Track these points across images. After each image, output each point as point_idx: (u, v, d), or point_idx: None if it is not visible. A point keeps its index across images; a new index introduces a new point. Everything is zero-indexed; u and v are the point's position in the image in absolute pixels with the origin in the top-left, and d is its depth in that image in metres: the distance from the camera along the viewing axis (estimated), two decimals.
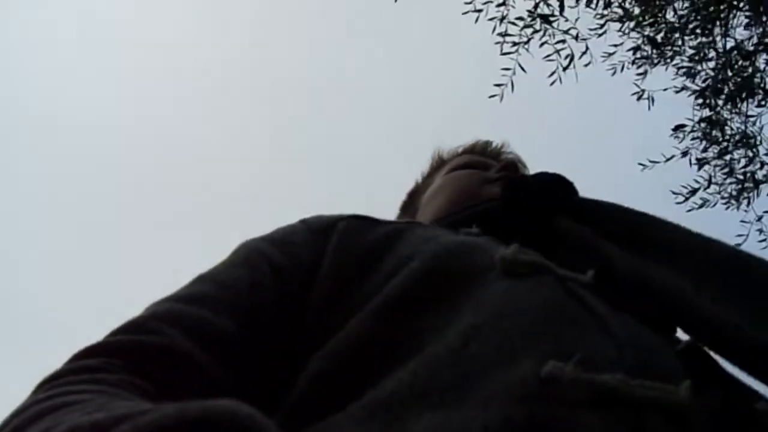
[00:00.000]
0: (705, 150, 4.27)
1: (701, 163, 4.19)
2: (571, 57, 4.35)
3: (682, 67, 4.34)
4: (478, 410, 0.45)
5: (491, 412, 0.45)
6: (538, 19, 4.51)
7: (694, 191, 4.33)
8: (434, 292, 0.61)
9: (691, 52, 4.37)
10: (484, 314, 0.55)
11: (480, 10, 4.64)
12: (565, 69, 4.35)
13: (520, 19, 4.60)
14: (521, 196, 0.89)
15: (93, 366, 0.51)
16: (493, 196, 0.97)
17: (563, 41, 4.41)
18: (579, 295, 0.60)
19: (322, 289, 0.66)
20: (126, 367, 0.52)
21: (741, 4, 4.40)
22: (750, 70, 4.21)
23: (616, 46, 4.60)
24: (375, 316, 0.60)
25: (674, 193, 4.39)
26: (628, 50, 4.47)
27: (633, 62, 4.47)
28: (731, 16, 4.36)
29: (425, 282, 0.62)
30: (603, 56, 4.57)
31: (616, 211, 0.81)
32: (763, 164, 4.22)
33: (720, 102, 4.24)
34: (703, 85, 4.28)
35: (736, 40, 4.25)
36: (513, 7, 4.67)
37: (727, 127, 4.27)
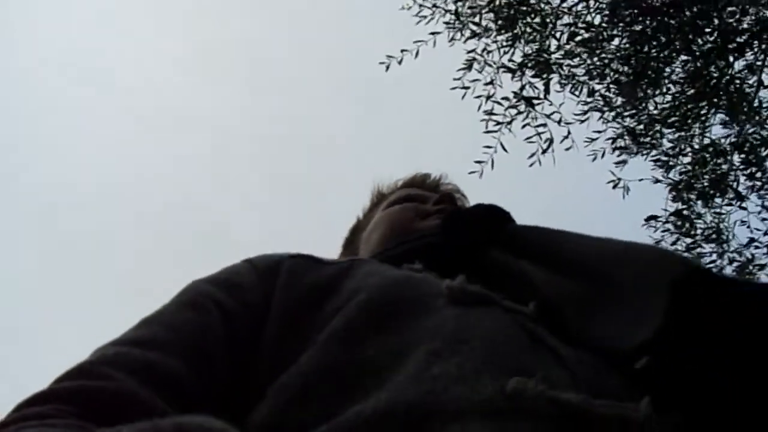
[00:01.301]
0: (675, 243, 4.34)
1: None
2: (551, 141, 4.45)
3: (659, 160, 4.44)
4: (446, 429, 0.46)
5: (459, 430, 0.45)
6: (522, 101, 4.61)
7: None
8: (382, 319, 0.61)
9: (669, 145, 4.48)
10: (441, 339, 0.56)
11: (467, 87, 4.76)
12: (543, 152, 4.45)
13: (506, 99, 4.71)
14: (457, 230, 0.90)
15: (41, 413, 0.50)
16: (431, 230, 0.98)
17: (544, 125, 4.52)
18: (526, 326, 0.62)
19: (273, 327, 0.66)
20: (75, 413, 0.51)
21: (720, 103, 4.52)
22: (724, 167, 4.31)
23: (598, 132, 4.72)
24: (324, 347, 0.59)
25: None
26: (608, 139, 4.58)
27: (613, 151, 4.58)
28: (709, 113, 4.48)
29: (372, 310, 0.62)
30: (585, 141, 4.69)
31: (540, 235, 0.82)
32: (732, 260, 4.29)
33: (693, 197, 4.33)
34: (678, 178, 4.38)
35: (711, 139, 4.36)
36: (500, 86, 4.79)
37: (699, 221, 4.35)
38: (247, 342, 0.65)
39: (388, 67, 4.83)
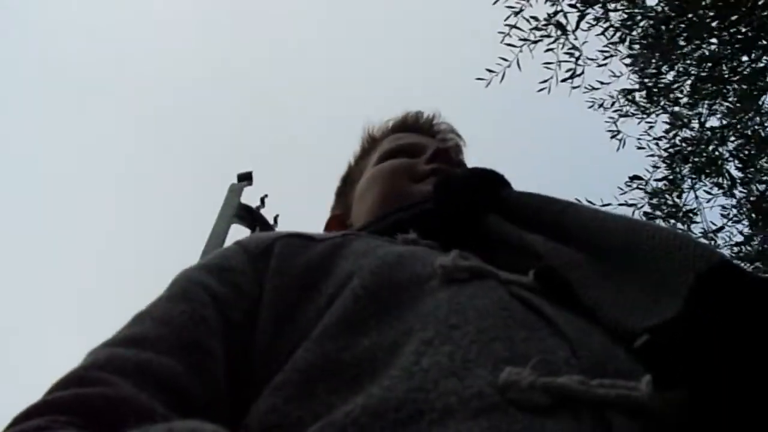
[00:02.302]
0: (652, 207, 4.42)
1: (649, 218, 4.33)
2: (573, 72, 4.39)
3: (664, 122, 4.49)
4: (435, 428, 0.44)
5: (449, 430, 0.44)
6: (552, 26, 4.51)
7: None
8: (376, 309, 0.60)
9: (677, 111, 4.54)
10: (433, 327, 0.55)
11: None
12: (563, 80, 4.39)
13: (535, 18, 4.59)
14: (449, 198, 0.88)
15: (38, 426, 0.49)
16: (426, 196, 0.95)
17: (571, 53, 4.44)
18: (524, 298, 0.60)
19: (268, 315, 0.65)
20: (73, 423, 0.50)
21: (728, 93, 4.63)
22: (719, 151, 4.42)
23: (602, 83, 4.70)
24: (320, 342, 0.59)
25: None
26: (621, 90, 4.57)
27: (618, 98, 4.58)
28: (718, 97, 4.57)
29: (366, 300, 0.61)
30: (586, 88, 4.67)
31: (538, 202, 0.79)
32: None
33: (685, 169, 4.42)
34: (676, 149, 4.45)
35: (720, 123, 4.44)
36: (530, 6, 4.65)
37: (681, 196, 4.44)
38: (241, 328, 0.65)
39: None
